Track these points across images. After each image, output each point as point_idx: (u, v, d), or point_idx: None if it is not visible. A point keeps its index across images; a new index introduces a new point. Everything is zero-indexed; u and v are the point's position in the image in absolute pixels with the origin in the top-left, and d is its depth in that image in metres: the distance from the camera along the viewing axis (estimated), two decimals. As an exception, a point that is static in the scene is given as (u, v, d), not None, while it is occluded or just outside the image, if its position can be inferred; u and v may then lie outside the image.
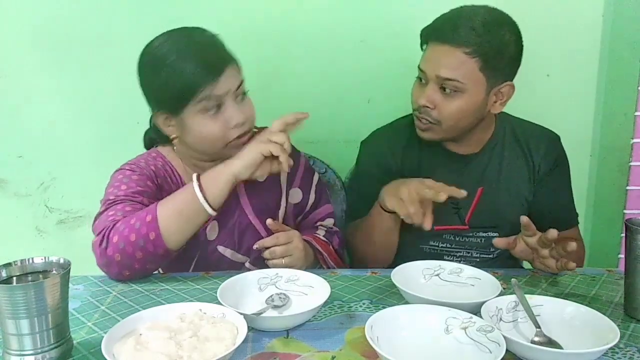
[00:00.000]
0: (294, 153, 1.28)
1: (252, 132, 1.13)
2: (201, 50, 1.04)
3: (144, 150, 1.22)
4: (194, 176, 1.01)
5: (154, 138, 1.21)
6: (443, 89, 1.13)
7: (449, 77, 1.11)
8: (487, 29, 1.11)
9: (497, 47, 1.11)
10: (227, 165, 1.02)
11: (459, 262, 1.26)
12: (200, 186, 0.99)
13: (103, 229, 1.00)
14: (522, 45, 1.17)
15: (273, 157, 1.03)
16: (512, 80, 1.19)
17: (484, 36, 1.10)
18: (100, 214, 1.05)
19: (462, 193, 1.07)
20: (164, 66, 1.02)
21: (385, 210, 1.15)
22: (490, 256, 1.30)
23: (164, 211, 0.99)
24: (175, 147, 1.17)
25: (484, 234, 1.28)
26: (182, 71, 1.01)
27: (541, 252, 1.05)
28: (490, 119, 1.27)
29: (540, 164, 1.28)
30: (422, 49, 1.19)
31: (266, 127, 1.28)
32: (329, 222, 1.29)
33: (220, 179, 1.01)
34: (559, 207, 1.30)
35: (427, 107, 1.15)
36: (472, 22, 1.10)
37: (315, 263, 1.18)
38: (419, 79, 1.19)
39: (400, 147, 1.31)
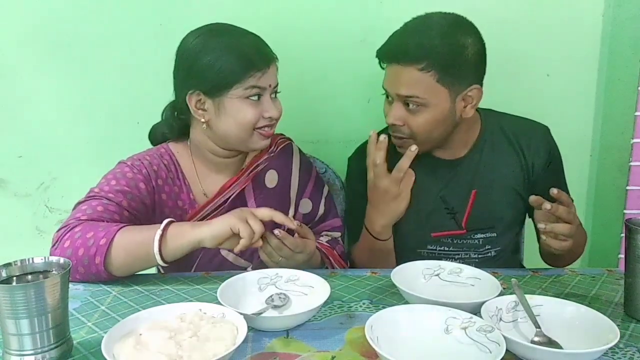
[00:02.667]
0: (307, 162, 1.30)
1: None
2: (253, 42, 1.10)
3: (145, 149, 1.22)
4: (163, 224, 0.97)
5: (165, 133, 1.21)
6: (407, 105, 1.14)
7: (408, 94, 1.12)
8: (439, 39, 1.09)
9: (452, 56, 1.10)
10: (195, 228, 0.98)
11: (458, 263, 1.27)
12: (161, 237, 0.96)
13: (64, 227, 1.01)
14: (483, 46, 1.15)
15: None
16: (479, 82, 1.17)
17: (436, 48, 1.08)
18: (80, 202, 1.06)
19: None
20: (217, 46, 1.06)
21: (375, 237, 1.19)
22: (488, 255, 1.30)
23: (119, 242, 0.96)
24: (190, 140, 1.18)
25: (482, 235, 1.28)
26: (236, 54, 1.05)
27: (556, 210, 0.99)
28: (472, 120, 1.24)
29: (533, 161, 1.27)
30: (382, 67, 1.19)
31: (281, 135, 1.28)
32: (336, 234, 1.29)
33: (184, 238, 0.97)
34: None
35: (396, 124, 1.16)
36: (421, 36, 1.10)
37: (320, 265, 1.18)
38: (386, 96, 1.20)
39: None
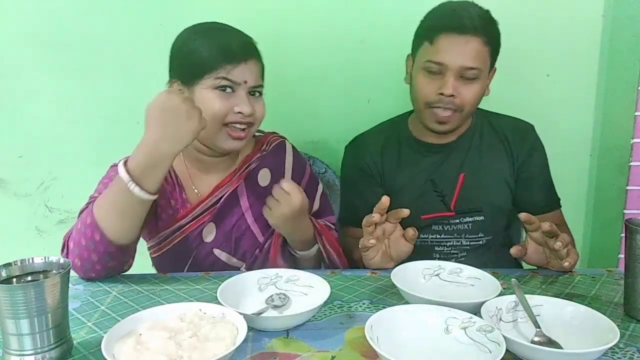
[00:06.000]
0: (301, 161, 1.29)
1: (252, 134, 1.15)
2: (234, 36, 1.10)
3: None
4: (121, 165, 0.94)
5: None
6: (462, 77, 1.18)
7: (472, 65, 1.17)
8: (489, 18, 1.20)
9: (498, 34, 1.21)
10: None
11: (450, 251, 1.32)
12: (129, 174, 0.93)
13: (66, 235, 1.02)
14: None
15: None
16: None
17: (490, 25, 1.20)
18: (81, 210, 1.07)
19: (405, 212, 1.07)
20: (198, 37, 1.08)
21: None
22: (480, 242, 1.33)
23: (99, 209, 0.97)
24: None
25: (471, 219, 1.31)
26: (211, 44, 1.07)
27: (551, 243, 1.05)
28: None
29: (518, 152, 1.32)
30: (427, 42, 1.20)
31: (273, 133, 1.28)
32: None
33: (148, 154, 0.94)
34: (540, 192, 1.34)
35: (453, 95, 1.18)
36: (478, 13, 1.18)
37: (311, 243, 1.19)
38: (428, 72, 1.20)
39: (379, 148, 1.35)
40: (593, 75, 1.69)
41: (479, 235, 1.32)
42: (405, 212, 1.06)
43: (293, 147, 1.30)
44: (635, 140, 1.56)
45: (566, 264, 1.05)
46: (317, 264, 1.22)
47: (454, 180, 1.30)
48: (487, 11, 1.20)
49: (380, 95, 1.67)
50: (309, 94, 1.66)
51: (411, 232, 1.10)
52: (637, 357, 0.77)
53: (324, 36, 1.61)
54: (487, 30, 1.17)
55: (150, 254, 1.21)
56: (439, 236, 1.32)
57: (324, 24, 1.61)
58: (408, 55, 1.30)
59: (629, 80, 1.59)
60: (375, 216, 1.04)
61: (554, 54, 1.67)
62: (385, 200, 1.05)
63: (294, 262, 1.21)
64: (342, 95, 1.67)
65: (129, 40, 1.59)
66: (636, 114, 1.55)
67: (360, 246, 1.09)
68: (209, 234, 1.16)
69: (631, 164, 1.57)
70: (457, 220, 1.31)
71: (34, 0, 1.55)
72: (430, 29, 1.20)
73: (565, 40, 1.66)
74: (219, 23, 1.13)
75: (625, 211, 1.60)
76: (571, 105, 1.72)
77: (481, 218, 1.31)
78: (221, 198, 1.16)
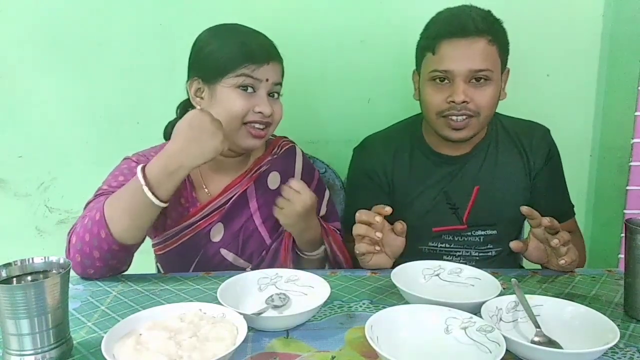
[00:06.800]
0: (309, 166, 1.30)
1: (270, 134, 1.15)
2: (259, 38, 1.12)
3: (148, 147, 1.22)
4: (139, 169, 0.96)
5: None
6: (474, 81, 1.14)
7: (481, 67, 1.13)
8: (491, 17, 1.16)
9: (503, 32, 1.18)
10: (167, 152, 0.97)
11: (459, 261, 1.28)
12: (144, 176, 0.95)
13: (70, 229, 1.02)
14: None
15: None
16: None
17: (494, 23, 1.16)
18: (89, 201, 1.07)
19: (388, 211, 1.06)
20: (222, 36, 1.10)
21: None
22: (489, 254, 1.31)
23: (111, 207, 0.97)
24: None
25: (483, 232, 1.29)
26: (235, 43, 1.08)
27: (552, 240, 1.03)
28: None
29: (534, 158, 1.29)
30: (430, 53, 1.17)
31: (283, 137, 1.28)
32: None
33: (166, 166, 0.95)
34: (556, 199, 1.31)
35: (466, 101, 1.14)
36: (478, 13, 1.15)
37: (319, 244, 1.18)
38: (435, 82, 1.17)
39: (391, 155, 1.32)
40: (593, 75, 1.69)
41: (489, 247, 1.30)
42: (388, 209, 1.05)
43: (302, 152, 1.30)
44: (635, 140, 1.55)
45: (562, 261, 1.04)
46: (322, 267, 1.22)
47: (468, 193, 1.27)
48: (488, 11, 1.17)
49: (380, 95, 1.67)
50: (309, 94, 1.66)
51: (399, 225, 1.08)
52: (637, 357, 0.77)
53: (324, 36, 1.61)
54: (490, 29, 1.13)
55: (155, 251, 1.21)
56: (448, 246, 1.30)
57: (324, 24, 1.61)
58: (414, 71, 1.27)
59: (629, 80, 1.59)
60: (378, 217, 1.04)
61: (554, 54, 1.67)
62: (389, 209, 1.05)
63: (299, 264, 1.21)
64: (342, 95, 1.67)
65: (129, 40, 1.59)
66: (636, 114, 1.55)
67: (357, 252, 1.08)
68: (217, 234, 1.17)
69: (631, 164, 1.57)
70: (469, 233, 1.28)
71: (34, 0, 1.55)
72: (430, 39, 1.17)
73: (565, 40, 1.66)
74: (241, 25, 1.14)
75: (625, 211, 1.60)
76: (571, 105, 1.72)
77: (494, 232, 1.28)
78: (231, 199, 1.17)
